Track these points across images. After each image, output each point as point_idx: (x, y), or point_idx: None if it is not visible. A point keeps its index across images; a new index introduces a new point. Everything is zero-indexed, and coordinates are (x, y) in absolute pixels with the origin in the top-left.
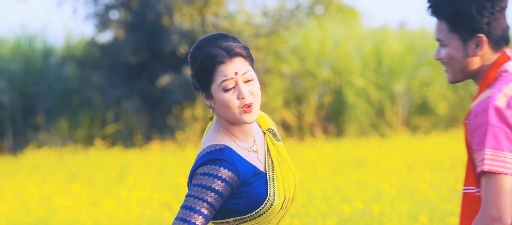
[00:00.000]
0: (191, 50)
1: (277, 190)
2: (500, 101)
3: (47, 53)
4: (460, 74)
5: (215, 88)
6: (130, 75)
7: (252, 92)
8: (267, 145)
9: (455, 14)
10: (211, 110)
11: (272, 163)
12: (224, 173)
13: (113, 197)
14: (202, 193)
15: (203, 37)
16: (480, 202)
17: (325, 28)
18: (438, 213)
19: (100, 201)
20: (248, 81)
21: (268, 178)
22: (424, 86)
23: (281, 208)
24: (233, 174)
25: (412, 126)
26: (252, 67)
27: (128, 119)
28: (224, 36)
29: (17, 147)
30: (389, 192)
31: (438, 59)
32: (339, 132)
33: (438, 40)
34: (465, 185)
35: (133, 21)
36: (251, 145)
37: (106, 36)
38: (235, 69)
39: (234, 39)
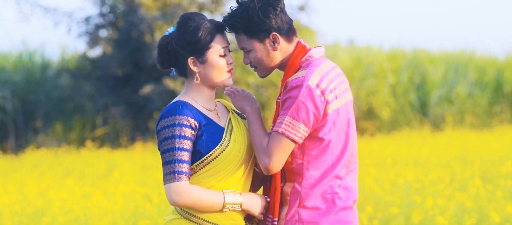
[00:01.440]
0: (180, 22)
1: (233, 140)
2: (312, 82)
3: (45, 66)
4: (269, 69)
5: (212, 53)
6: (117, 85)
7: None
8: (230, 118)
9: (248, 24)
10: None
11: (232, 126)
12: (178, 118)
13: (101, 190)
14: (170, 143)
15: (187, 13)
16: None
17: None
18: (382, 204)
19: (90, 194)
20: (231, 51)
21: (225, 130)
22: (370, 94)
23: (243, 163)
24: (187, 116)
25: (359, 129)
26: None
27: (115, 123)
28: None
29: (18, 148)
30: None
31: (247, 64)
32: None
33: (242, 49)
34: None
35: (120, 39)
36: (213, 108)
37: (96, 52)
38: (229, 40)
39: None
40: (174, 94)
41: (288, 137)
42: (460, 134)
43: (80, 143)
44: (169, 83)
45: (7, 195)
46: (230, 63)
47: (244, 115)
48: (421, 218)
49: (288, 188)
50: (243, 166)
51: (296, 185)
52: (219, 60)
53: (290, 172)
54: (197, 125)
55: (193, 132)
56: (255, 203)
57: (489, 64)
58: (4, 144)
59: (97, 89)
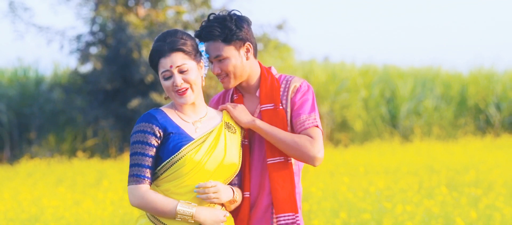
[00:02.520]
0: None
1: (195, 152)
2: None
3: (39, 81)
4: (239, 78)
5: (160, 76)
6: (106, 99)
7: (187, 80)
8: (215, 132)
9: (228, 31)
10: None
11: (211, 140)
12: (144, 126)
13: (92, 198)
14: (135, 148)
15: (162, 33)
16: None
17: (264, 61)
18: (355, 211)
19: (81, 201)
20: (183, 71)
21: (193, 142)
22: (343, 108)
23: (205, 175)
24: (152, 124)
25: (334, 140)
26: (196, 59)
27: (105, 135)
28: (174, 33)
29: (13, 158)
30: (316, 193)
31: (217, 74)
32: None
33: (217, 56)
34: (272, 157)
35: (109, 55)
36: (193, 120)
37: (87, 67)
38: (171, 63)
39: (183, 36)
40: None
41: (321, 130)
42: (428, 144)
43: (72, 153)
44: (155, 97)
45: (3, 202)
46: (175, 85)
47: (252, 127)
48: (392, 223)
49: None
50: (205, 178)
51: (299, 185)
52: (164, 82)
53: (296, 174)
54: (161, 133)
55: (156, 139)
56: (208, 216)
57: (454, 80)
58: (0, 154)
59: (87, 103)
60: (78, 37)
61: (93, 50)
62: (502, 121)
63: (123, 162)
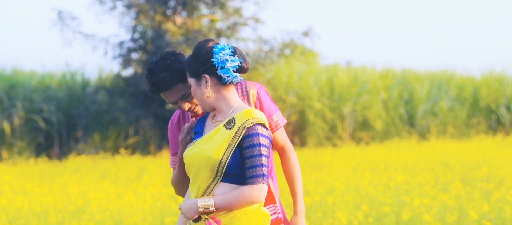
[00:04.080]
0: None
1: (189, 150)
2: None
3: (85, 84)
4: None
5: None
6: (146, 100)
7: (190, 102)
8: (218, 127)
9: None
10: None
11: (207, 135)
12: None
13: (133, 191)
14: None
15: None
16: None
17: (291, 65)
18: (376, 203)
19: (123, 194)
20: (185, 98)
21: (198, 139)
22: (365, 108)
23: (195, 170)
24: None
25: (356, 139)
26: (197, 78)
27: (145, 133)
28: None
29: (62, 154)
30: (339, 187)
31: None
32: (302, 143)
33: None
34: None
35: (149, 60)
36: (217, 120)
37: (128, 71)
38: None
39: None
40: None
41: (286, 121)
42: (443, 143)
43: (115, 150)
44: None
45: (52, 195)
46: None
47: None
48: (410, 215)
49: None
50: (193, 171)
51: (274, 181)
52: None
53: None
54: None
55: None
56: (187, 209)
57: (468, 83)
58: (50, 151)
59: (129, 104)
60: (121, 44)
61: (134, 55)
62: None
63: (162, 159)
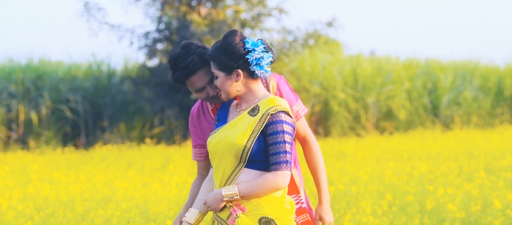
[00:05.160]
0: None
1: (213, 137)
2: None
3: (111, 74)
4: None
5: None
6: (171, 90)
7: (217, 87)
8: (242, 114)
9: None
10: None
11: (231, 122)
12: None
13: (158, 181)
14: None
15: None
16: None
17: (315, 55)
18: (399, 193)
19: (149, 183)
20: (212, 82)
21: (221, 126)
22: (388, 98)
23: (217, 157)
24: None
25: (380, 128)
26: (228, 72)
27: (170, 123)
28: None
29: (88, 144)
30: (363, 177)
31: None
32: (326, 133)
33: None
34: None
35: (174, 50)
36: (240, 109)
37: (154, 62)
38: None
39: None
40: None
41: (307, 110)
42: (467, 132)
43: (140, 140)
44: None
45: (79, 184)
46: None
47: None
48: (434, 204)
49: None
50: (217, 157)
51: (298, 170)
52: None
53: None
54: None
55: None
56: (212, 199)
57: (492, 72)
58: (77, 140)
59: (154, 94)
60: (146, 34)
61: (160, 46)
62: None
63: (187, 148)
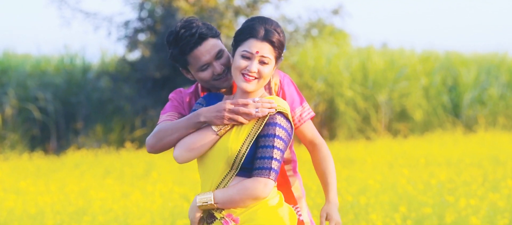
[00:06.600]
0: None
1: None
2: None
3: (86, 69)
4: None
5: (237, 52)
6: (155, 87)
7: (261, 71)
8: None
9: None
10: None
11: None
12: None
13: (140, 190)
14: None
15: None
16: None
17: (319, 47)
18: (415, 204)
19: (129, 193)
20: (263, 62)
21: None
22: (402, 96)
23: (203, 161)
24: (199, 105)
25: (393, 131)
26: (277, 56)
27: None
28: (273, 23)
29: (60, 148)
30: (373, 186)
31: (219, 73)
32: (332, 136)
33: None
34: None
35: (157, 42)
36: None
37: (135, 55)
38: (259, 49)
39: (278, 29)
40: None
41: (313, 114)
42: (492, 135)
43: (120, 144)
44: None
45: (49, 195)
46: (249, 69)
47: None
48: (454, 218)
49: None
50: (204, 166)
51: (298, 178)
52: (240, 60)
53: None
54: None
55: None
56: (189, 210)
57: None
58: (46, 145)
59: (136, 91)
60: (126, 24)
61: (142, 36)
62: None
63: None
